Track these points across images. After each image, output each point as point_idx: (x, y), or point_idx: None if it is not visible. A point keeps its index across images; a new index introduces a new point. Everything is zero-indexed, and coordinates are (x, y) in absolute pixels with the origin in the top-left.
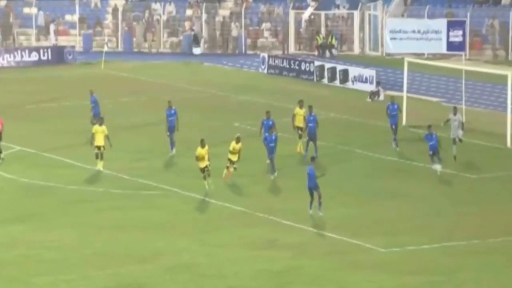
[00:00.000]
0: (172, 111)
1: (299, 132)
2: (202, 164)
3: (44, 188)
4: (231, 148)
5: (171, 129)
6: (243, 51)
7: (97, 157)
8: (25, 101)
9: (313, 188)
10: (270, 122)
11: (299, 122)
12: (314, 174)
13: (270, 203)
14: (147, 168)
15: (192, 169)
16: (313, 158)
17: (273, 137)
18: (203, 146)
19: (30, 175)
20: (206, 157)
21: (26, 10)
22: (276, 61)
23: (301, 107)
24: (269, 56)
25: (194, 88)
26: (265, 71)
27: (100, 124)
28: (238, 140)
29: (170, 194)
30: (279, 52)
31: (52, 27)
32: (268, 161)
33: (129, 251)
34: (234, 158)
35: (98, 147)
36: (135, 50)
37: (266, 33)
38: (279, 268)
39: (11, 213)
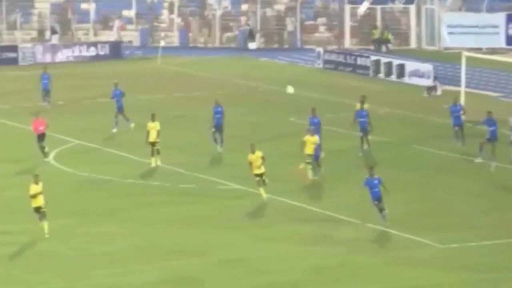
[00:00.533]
0: (219, 109)
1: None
2: (256, 171)
3: (100, 182)
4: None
5: (218, 127)
6: (298, 46)
7: (152, 154)
8: (83, 95)
9: (378, 199)
10: (316, 120)
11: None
12: (378, 185)
13: (324, 198)
14: (201, 163)
15: (244, 164)
16: (371, 167)
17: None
18: (253, 152)
19: (87, 169)
20: (259, 163)
21: (84, 5)
22: (332, 56)
23: (362, 103)
24: (324, 51)
25: (249, 83)
26: (321, 66)
27: (153, 120)
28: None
29: (224, 188)
30: (335, 47)
31: (116, 23)
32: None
33: (183, 245)
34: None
35: (152, 143)
36: (191, 45)
37: (321, 28)
38: (333, 264)
39: (68, 206)
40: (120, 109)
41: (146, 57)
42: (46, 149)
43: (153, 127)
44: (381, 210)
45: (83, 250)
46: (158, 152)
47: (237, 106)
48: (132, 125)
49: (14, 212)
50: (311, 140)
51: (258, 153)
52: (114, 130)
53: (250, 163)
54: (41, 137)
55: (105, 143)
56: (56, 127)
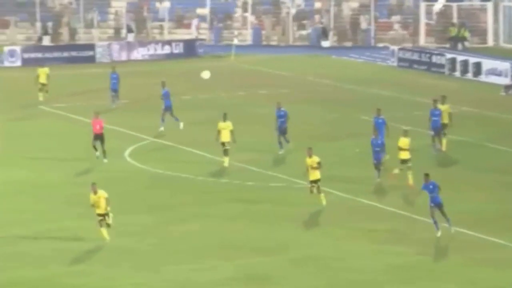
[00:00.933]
0: (282, 112)
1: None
2: (312, 177)
3: (173, 179)
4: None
5: (281, 130)
6: (372, 43)
7: (224, 153)
8: (157, 93)
9: (439, 205)
10: (380, 120)
11: (444, 118)
12: (436, 190)
13: (397, 197)
14: (272, 161)
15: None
16: (427, 175)
17: (379, 142)
18: (310, 156)
19: (161, 166)
20: (315, 168)
21: (159, 4)
22: (406, 54)
23: (442, 103)
24: (399, 49)
25: (322, 81)
26: (395, 64)
27: (224, 120)
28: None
29: (296, 186)
30: (409, 45)
31: (194, 22)
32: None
33: (255, 243)
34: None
35: (223, 143)
36: (264, 43)
37: (396, 26)
38: (407, 263)
39: (142, 203)
40: (168, 108)
41: (219, 55)
42: (101, 150)
43: (225, 127)
44: (444, 215)
45: (155, 246)
46: (227, 153)
47: (309, 104)
48: (181, 124)
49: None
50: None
51: (315, 158)
52: (161, 129)
53: (307, 168)
54: (98, 136)
55: (179, 140)
56: (131, 125)
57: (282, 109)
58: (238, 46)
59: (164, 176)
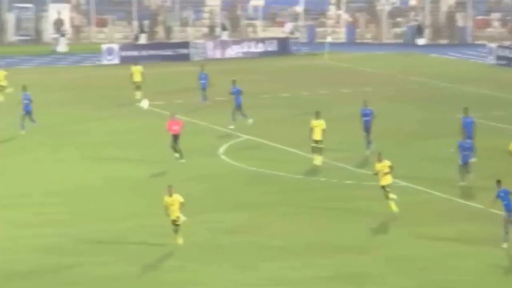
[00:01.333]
0: (367, 111)
1: None
2: (383, 182)
3: (269, 177)
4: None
5: (366, 129)
6: (469, 41)
7: (314, 152)
8: (251, 91)
9: (509, 211)
10: (468, 120)
11: None
12: (506, 197)
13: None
14: (368, 159)
15: (411, 159)
16: (499, 181)
17: (466, 145)
18: (380, 160)
19: (255, 164)
20: (387, 172)
21: (253, 2)
22: (505, 52)
23: None
24: (498, 46)
25: (416, 79)
26: (493, 61)
27: (317, 118)
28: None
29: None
30: (509, 42)
31: (288, 26)
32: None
33: (351, 241)
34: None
35: (316, 141)
36: (358, 40)
37: (495, 23)
38: (502, 265)
39: (237, 201)
40: (238, 106)
41: (313, 53)
42: (178, 150)
43: (318, 125)
44: None
45: (253, 243)
46: (321, 151)
47: (403, 103)
48: (250, 121)
49: (194, 204)
50: None
51: (386, 162)
52: (231, 127)
53: (377, 173)
54: (175, 137)
55: (273, 138)
56: (225, 122)
57: (368, 107)
58: (331, 44)
59: (259, 173)
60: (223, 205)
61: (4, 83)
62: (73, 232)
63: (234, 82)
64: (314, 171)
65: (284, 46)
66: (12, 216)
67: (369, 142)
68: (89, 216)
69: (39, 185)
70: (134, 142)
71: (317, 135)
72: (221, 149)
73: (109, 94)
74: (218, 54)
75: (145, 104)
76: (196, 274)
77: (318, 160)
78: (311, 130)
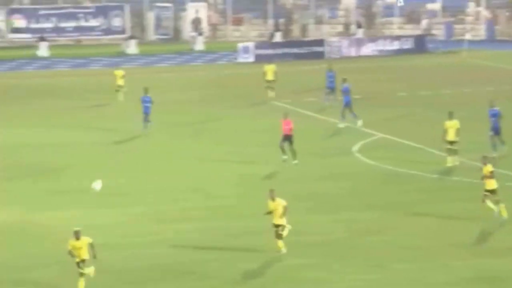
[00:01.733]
0: (495, 111)
1: None
2: (488, 186)
3: (404, 176)
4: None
5: (495, 130)
6: None
7: (449, 153)
8: (387, 90)
9: None
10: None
11: None
12: None
13: None
14: (503, 159)
15: None
16: None
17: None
18: (485, 164)
19: (390, 162)
20: (489, 176)
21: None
22: None
23: None
24: None
25: None
26: None
27: (450, 118)
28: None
29: None
30: None
31: (424, 22)
32: None
33: (486, 243)
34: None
35: (450, 142)
36: (498, 38)
37: None
38: None
39: (373, 200)
40: (348, 104)
41: (450, 50)
42: (290, 152)
43: (451, 126)
44: None
45: (388, 243)
46: (456, 153)
47: None
48: (360, 122)
49: (330, 203)
50: None
51: (489, 167)
52: (341, 125)
53: (483, 177)
54: (287, 137)
55: (407, 136)
56: (355, 120)
57: (495, 108)
58: (470, 41)
59: (395, 172)
60: (359, 204)
61: (121, 82)
62: (211, 226)
63: (344, 80)
64: (446, 170)
65: (420, 44)
66: (154, 211)
67: (502, 143)
68: (227, 212)
69: (181, 181)
70: (269, 141)
71: (451, 136)
72: (355, 147)
73: (244, 92)
74: (353, 52)
75: (97, 185)
76: (333, 272)
77: (451, 161)
78: (444, 131)
